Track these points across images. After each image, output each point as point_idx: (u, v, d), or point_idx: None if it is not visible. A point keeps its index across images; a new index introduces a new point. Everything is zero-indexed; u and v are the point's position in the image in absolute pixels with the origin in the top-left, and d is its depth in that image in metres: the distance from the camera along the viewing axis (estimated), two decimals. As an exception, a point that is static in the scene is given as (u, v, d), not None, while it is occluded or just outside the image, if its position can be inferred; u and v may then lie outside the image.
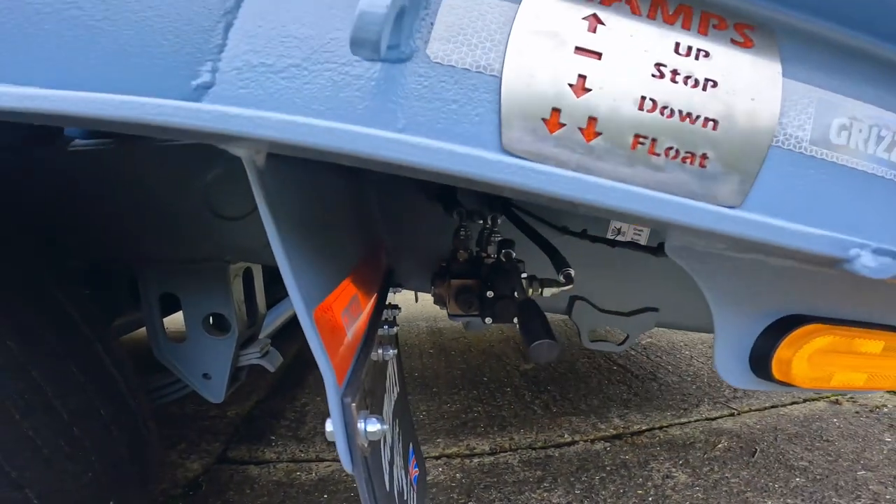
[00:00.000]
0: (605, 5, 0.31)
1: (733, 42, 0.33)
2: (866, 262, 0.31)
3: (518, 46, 0.31)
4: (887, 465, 1.23)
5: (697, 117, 0.31)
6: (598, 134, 0.31)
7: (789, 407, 1.59)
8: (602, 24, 0.31)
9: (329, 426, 0.41)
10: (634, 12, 0.32)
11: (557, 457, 1.34)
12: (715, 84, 0.32)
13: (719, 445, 1.36)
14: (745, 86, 0.32)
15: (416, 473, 1.00)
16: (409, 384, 1.79)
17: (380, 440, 0.60)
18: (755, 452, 1.31)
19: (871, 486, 1.14)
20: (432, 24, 0.31)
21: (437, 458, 1.34)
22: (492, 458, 1.34)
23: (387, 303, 0.82)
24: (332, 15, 0.31)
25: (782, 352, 0.37)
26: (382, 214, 0.94)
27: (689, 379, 1.85)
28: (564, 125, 0.31)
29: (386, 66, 0.31)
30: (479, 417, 1.55)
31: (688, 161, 0.32)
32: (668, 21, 0.32)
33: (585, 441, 1.42)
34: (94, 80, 0.32)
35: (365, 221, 0.85)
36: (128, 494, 0.70)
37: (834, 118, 0.34)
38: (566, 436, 1.44)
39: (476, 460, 1.34)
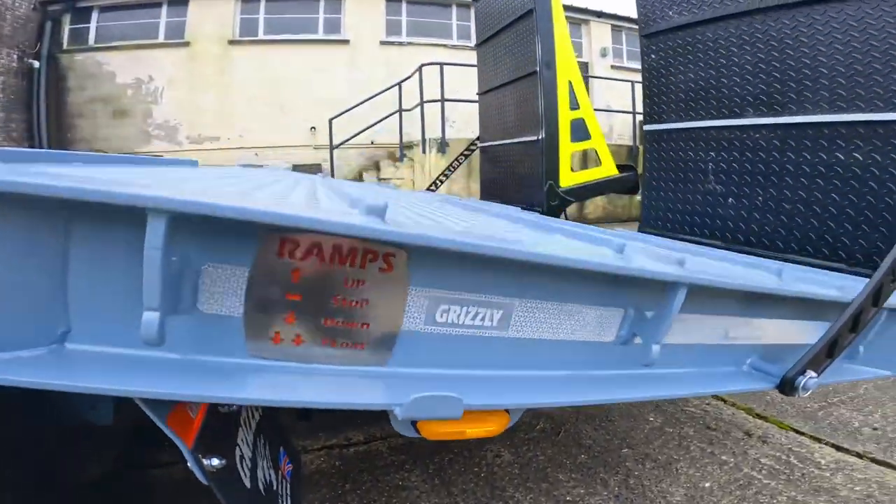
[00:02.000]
0: (303, 260, 0.60)
1: (380, 270, 0.63)
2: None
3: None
4: (644, 443, 1.72)
5: (361, 323, 0.62)
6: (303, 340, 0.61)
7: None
8: (301, 274, 0.60)
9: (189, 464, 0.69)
10: (323, 261, 0.61)
11: (417, 443, 1.71)
12: (367, 301, 0.62)
13: (538, 427, 1.79)
14: (385, 297, 0.63)
15: (290, 468, 1.31)
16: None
17: (236, 456, 0.90)
18: (560, 432, 1.75)
19: (627, 464, 1.61)
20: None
21: (318, 449, 1.66)
22: (366, 447, 1.69)
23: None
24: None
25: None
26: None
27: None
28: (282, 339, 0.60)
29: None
30: (356, 413, 1.88)
31: (356, 347, 0.63)
32: (341, 262, 0.61)
33: (441, 429, 1.80)
34: None
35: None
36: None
37: (439, 305, 0.66)
38: (427, 425, 1.81)
39: (352, 449, 1.67)
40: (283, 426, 1.41)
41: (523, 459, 1.64)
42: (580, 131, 3.32)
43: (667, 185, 2.13)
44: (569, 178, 3.23)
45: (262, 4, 8.93)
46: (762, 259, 1.59)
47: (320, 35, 9.33)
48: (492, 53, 3.84)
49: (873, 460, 1.65)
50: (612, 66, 10.66)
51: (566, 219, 3.29)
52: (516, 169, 3.56)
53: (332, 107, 8.87)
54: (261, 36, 9.01)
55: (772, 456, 1.69)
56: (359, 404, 0.68)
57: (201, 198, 0.50)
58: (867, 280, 0.98)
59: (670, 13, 2.10)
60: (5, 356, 0.52)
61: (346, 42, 9.26)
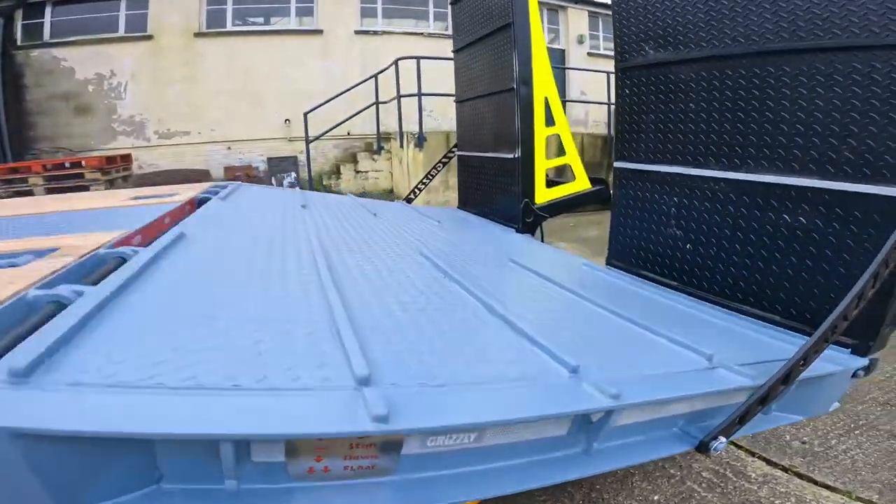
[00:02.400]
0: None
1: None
2: None
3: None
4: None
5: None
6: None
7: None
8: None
9: None
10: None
11: None
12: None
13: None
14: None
15: None
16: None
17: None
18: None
19: (590, 479, 1.75)
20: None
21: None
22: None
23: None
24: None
25: None
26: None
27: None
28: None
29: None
30: None
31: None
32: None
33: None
34: None
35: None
36: None
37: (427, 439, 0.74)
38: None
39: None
40: None
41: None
42: (555, 148, 3.37)
43: (633, 223, 2.21)
44: (544, 194, 3.29)
45: (230, -7, 8.57)
46: (709, 313, 1.72)
47: (292, 25, 9.03)
48: (469, 62, 3.81)
49: (797, 474, 1.84)
50: (589, 54, 10.64)
51: (542, 234, 3.37)
52: (493, 182, 3.59)
53: (306, 98, 8.67)
54: (229, 27, 8.68)
55: (712, 469, 1.87)
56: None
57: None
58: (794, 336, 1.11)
59: (646, 48, 2.13)
60: None
61: (319, 32, 8.99)
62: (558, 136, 3.40)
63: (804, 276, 1.52)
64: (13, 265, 1.25)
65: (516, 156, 3.18)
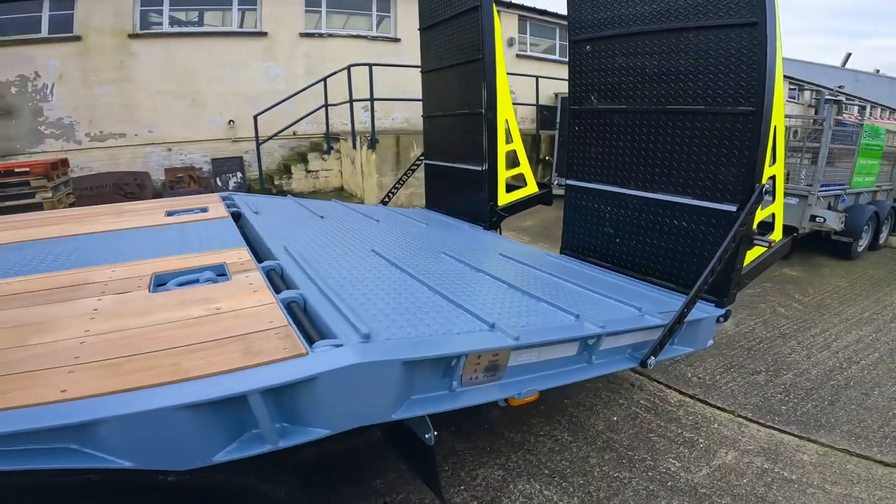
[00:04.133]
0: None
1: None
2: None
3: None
4: (578, 396, 2.81)
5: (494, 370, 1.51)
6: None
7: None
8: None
9: None
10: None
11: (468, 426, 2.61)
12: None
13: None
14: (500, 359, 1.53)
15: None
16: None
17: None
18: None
19: (570, 410, 2.68)
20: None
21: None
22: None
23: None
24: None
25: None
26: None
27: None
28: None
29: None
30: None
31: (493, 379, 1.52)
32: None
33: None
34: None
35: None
36: None
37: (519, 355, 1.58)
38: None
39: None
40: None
41: (507, 413, 2.62)
42: (512, 160, 4.24)
43: (580, 224, 3.15)
44: (504, 198, 4.16)
45: (164, -8, 8.40)
46: (631, 283, 2.69)
47: (235, 27, 9.04)
48: (438, 83, 4.43)
49: (699, 399, 2.90)
50: (518, 55, 11.68)
51: (500, 230, 4.23)
52: (460, 188, 4.37)
53: (250, 100, 8.82)
54: (165, 29, 8.53)
55: (647, 399, 2.89)
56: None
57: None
58: (681, 296, 2.10)
59: (592, 98, 3.02)
60: None
61: (263, 34, 9.10)
62: (514, 150, 4.27)
63: (686, 258, 2.53)
64: (211, 280, 1.85)
65: (484, 168, 4.00)
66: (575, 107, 3.12)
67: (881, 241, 6.45)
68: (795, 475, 2.22)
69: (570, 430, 2.56)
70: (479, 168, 4.04)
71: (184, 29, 8.80)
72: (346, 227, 3.13)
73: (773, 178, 2.45)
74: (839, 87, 20.03)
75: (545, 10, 12.10)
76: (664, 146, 2.59)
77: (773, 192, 2.51)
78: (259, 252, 2.35)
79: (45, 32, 7.76)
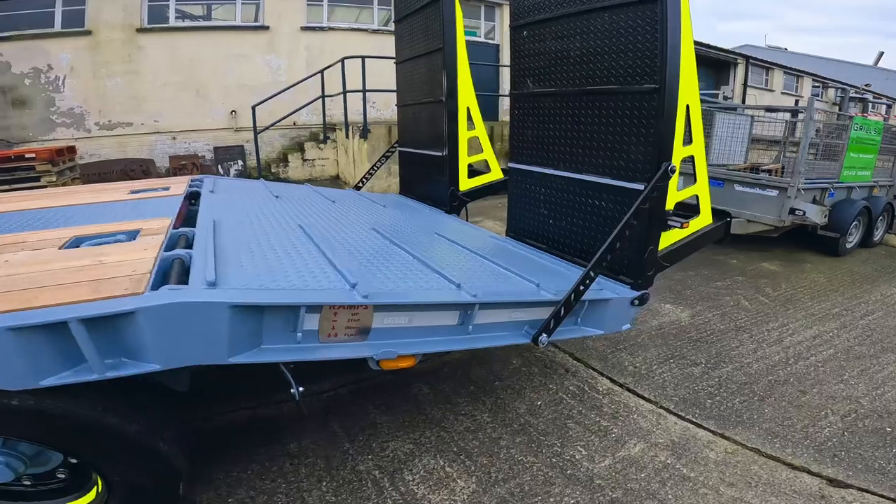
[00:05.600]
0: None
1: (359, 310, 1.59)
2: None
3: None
4: (507, 377, 2.85)
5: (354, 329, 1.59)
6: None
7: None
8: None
9: None
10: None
11: (375, 388, 2.71)
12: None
13: (444, 370, 2.86)
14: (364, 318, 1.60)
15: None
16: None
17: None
18: (458, 373, 2.83)
19: (497, 391, 2.73)
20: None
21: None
22: (332, 392, 2.65)
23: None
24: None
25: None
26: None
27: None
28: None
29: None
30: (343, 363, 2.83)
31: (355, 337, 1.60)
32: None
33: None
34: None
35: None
36: None
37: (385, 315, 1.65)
38: (373, 375, 2.81)
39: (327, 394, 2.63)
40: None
41: (436, 390, 2.70)
42: (475, 146, 4.29)
43: (521, 206, 3.20)
44: (466, 183, 4.22)
45: (172, -12, 8.72)
46: (552, 261, 2.71)
47: (238, 21, 9.31)
48: (409, 73, 4.55)
49: (628, 389, 2.87)
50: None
51: (467, 214, 4.30)
52: (427, 173, 4.46)
53: (252, 91, 9.07)
54: (172, 23, 8.85)
55: (576, 385, 2.88)
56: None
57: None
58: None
59: (528, 82, 3.07)
60: None
61: (265, 28, 9.35)
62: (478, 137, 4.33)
63: (602, 239, 2.55)
64: (118, 241, 1.99)
65: (444, 153, 4.07)
66: (515, 91, 3.16)
67: (876, 239, 6.22)
68: (694, 473, 2.13)
69: (491, 412, 2.58)
70: (440, 153, 4.11)
71: (189, 23, 9.11)
72: (292, 207, 3.25)
73: (690, 158, 2.45)
74: (866, 85, 19.24)
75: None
76: (586, 127, 2.62)
77: (694, 174, 2.51)
78: (193, 223, 2.49)
79: (58, 27, 8.16)
